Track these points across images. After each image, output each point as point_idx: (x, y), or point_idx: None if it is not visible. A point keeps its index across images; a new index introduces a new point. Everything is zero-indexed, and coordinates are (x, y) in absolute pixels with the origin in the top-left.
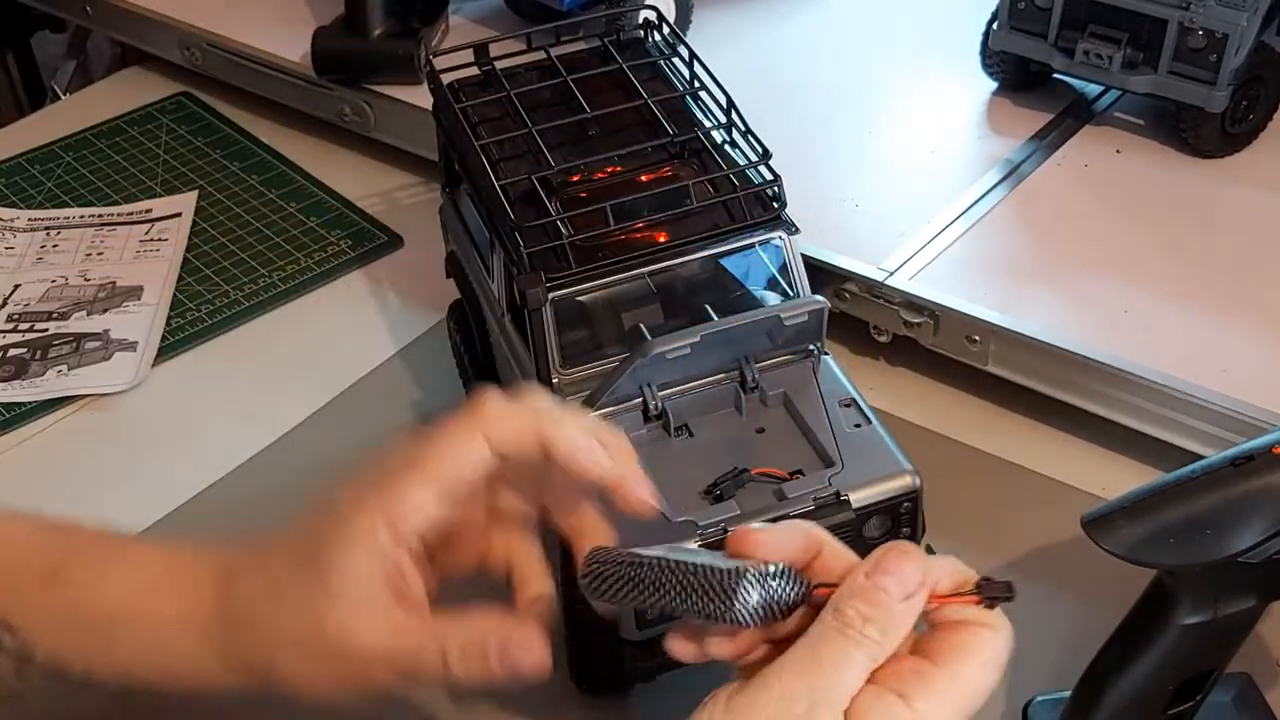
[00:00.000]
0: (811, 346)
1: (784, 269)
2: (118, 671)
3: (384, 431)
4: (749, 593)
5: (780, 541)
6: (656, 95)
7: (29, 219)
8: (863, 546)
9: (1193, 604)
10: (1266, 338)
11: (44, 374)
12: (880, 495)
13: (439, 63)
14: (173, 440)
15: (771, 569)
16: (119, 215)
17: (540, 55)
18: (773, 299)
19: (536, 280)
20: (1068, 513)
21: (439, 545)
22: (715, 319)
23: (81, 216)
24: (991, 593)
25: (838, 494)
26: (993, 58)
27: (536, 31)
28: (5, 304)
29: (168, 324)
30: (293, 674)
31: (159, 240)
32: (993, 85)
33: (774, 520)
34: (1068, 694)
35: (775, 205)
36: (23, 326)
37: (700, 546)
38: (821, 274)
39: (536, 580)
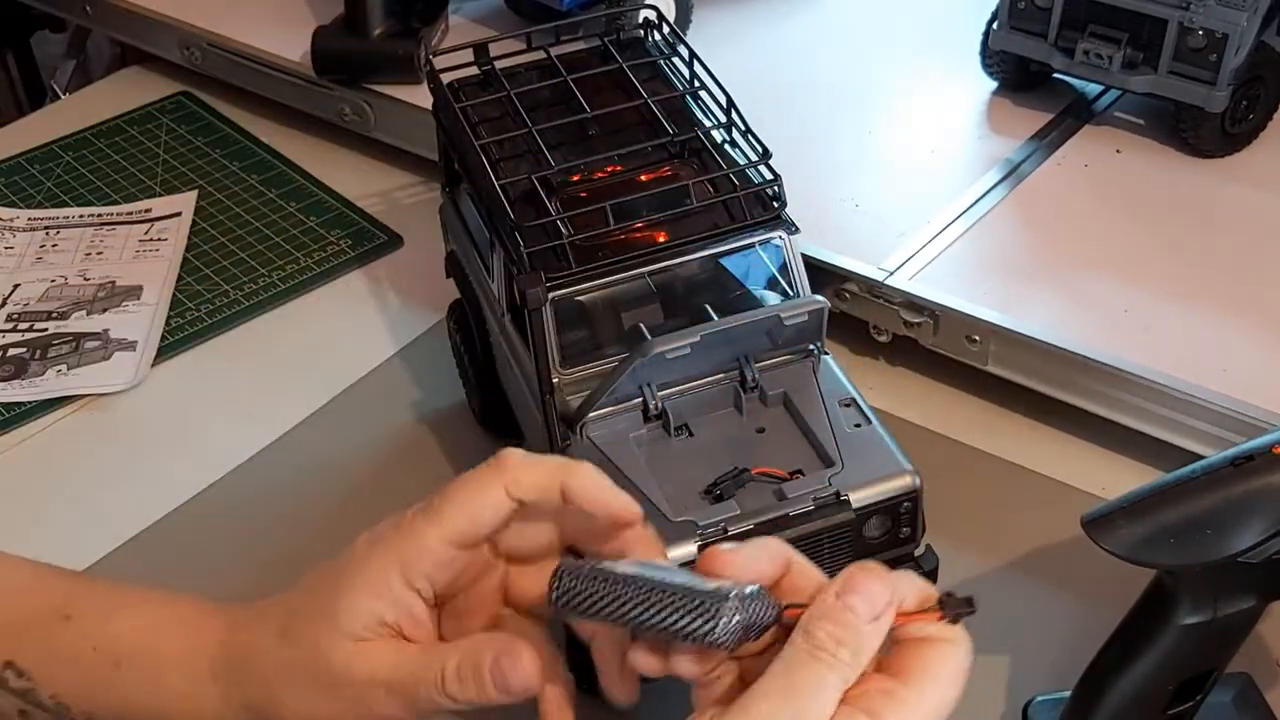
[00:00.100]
0: (811, 346)
1: (784, 269)
2: (119, 713)
3: (384, 432)
4: (731, 615)
5: (750, 561)
6: (656, 95)
7: (29, 219)
8: (862, 546)
9: (1193, 604)
10: (1266, 338)
11: (44, 374)
12: (880, 495)
13: (439, 62)
14: (173, 440)
15: (749, 590)
16: (119, 215)
17: (540, 55)
18: (773, 299)
19: (536, 280)
20: (1068, 513)
21: (459, 589)
22: (715, 319)
23: (81, 216)
24: (954, 608)
25: (838, 494)
26: (993, 58)
27: (536, 31)
28: (5, 304)
29: (167, 324)
30: (294, 709)
31: (159, 240)
32: (993, 85)
33: (773, 521)
34: (1068, 694)
35: (775, 205)
36: (22, 326)
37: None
38: (821, 274)
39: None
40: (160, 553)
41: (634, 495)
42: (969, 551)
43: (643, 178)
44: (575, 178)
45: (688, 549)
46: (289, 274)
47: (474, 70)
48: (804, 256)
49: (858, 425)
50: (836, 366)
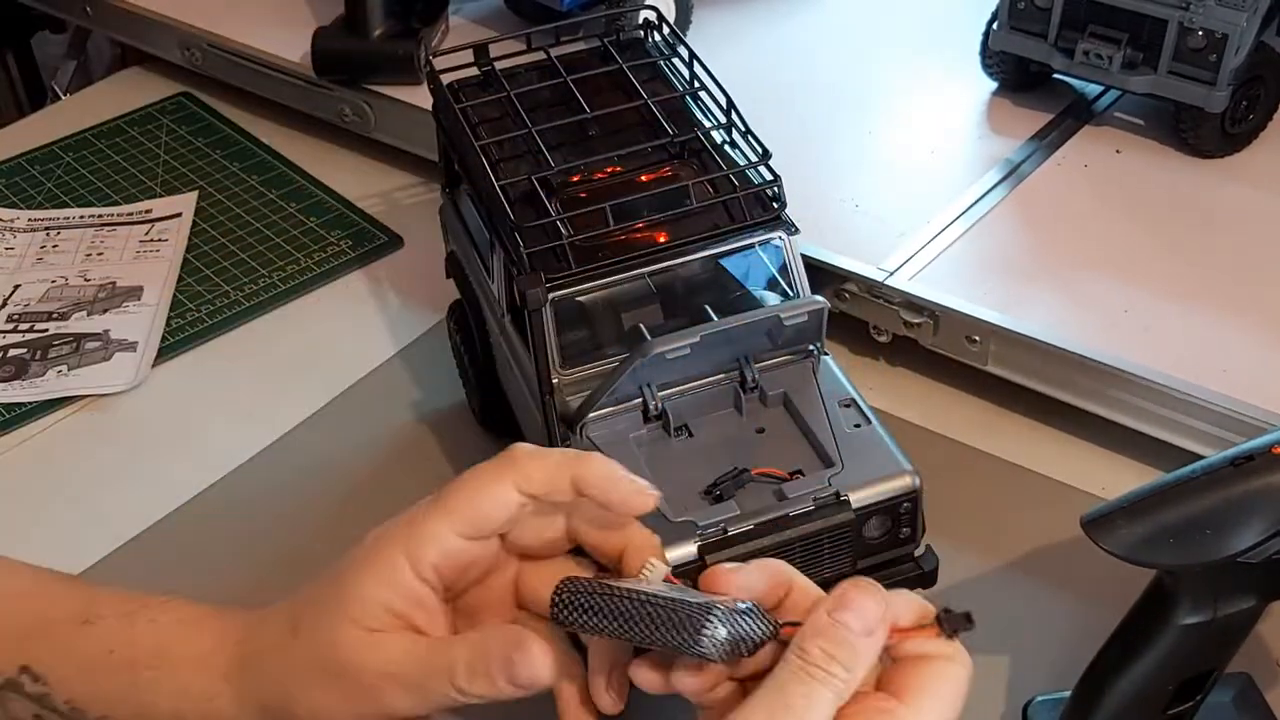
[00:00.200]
0: (811, 346)
1: (784, 269)
2: (135, 716)
3: (384, 432)
4: (716, 628)
5: (750, 580)
6: (656, 95)
7: (29, 219)
8: (862, 547)
9: (1193, 604)
10: (1266, 338)
11: (44, 374)
12: (880, 495)
13: (439, 63)
14: (173, 440)
15: (740, 606)
16: (119, 215)
17: (540, 55)
18: (772, 299)
19: (536, 280)
20: (1068, 513)
21: (469, 584)
22: (715, 319)
23: (81, 217)
24: (952, 624)
25: (837, 494)
26: (993, 58)
27: (536, 32)
28: (5, 304)
29: (168, 324)
30: (307, 705)
31: (159, 240)
32: (993, 85)
33: (773, 521)
34: (1068, 694)
35: (775, 205)
36: (23, 327)
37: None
38: (821, 274)
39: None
40: (160, 553)
41: None
42: (969, 551)
43: (643, 178)
44: (575, 178)
45: (687, 549)
46: (289, 274)
47: (474, 71)
48: (804, 257)
49: (858, 425)
50: (836, 367)
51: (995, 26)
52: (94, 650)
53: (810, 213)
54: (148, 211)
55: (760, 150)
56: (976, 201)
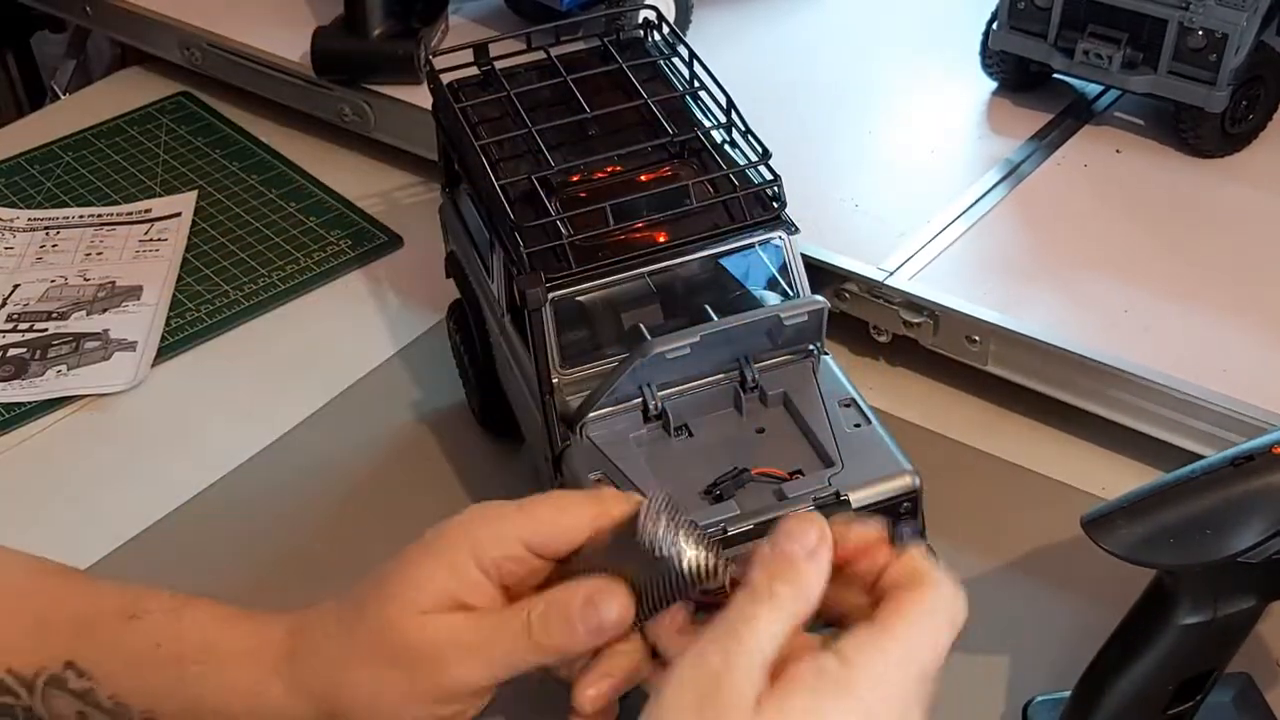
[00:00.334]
0: (811, 346)
1: (784, 269)
2: (181, 711)
3: (384, 432)
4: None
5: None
6: (656, 95)
7: (29, 219)
8: None
9: (1193, 604)
10: (1266, 338)
11: (44, 374)
12: (880, 495)
13: (439, 63)
14: (172, 440)
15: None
16: (118, 215)
17: (540, 55)
18: (772, 299)
19: (536, 280)
20: (1068, 513)
21: (520, 593)
22: (715, 319)
23: (81, 216)
24: (905, 540)
25: (837, 494)
26: (993, 58)
27: (536, 31)
28: (5, 304)
29: (167, 324)
30: (358, 690)
31: (159, 240)
32: (993, 85)
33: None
34: (1068, 694)
35: (775, 205)
36: (22, 326)
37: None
38: (821, 274)
39: None
40: (160, 553)
41: None
42: (969, 551)
43: (643, 178)
44: (575, 178)
45: None
46: (289, 274)
47: (474, 70)
48: (804, 256)
49: (857, 425)
50: (836, 367)
51: (995, 26)
52: (141, 645)
53: (810, 212)
54: (147, 211)
55: (760, 150)
56: (976, 201)
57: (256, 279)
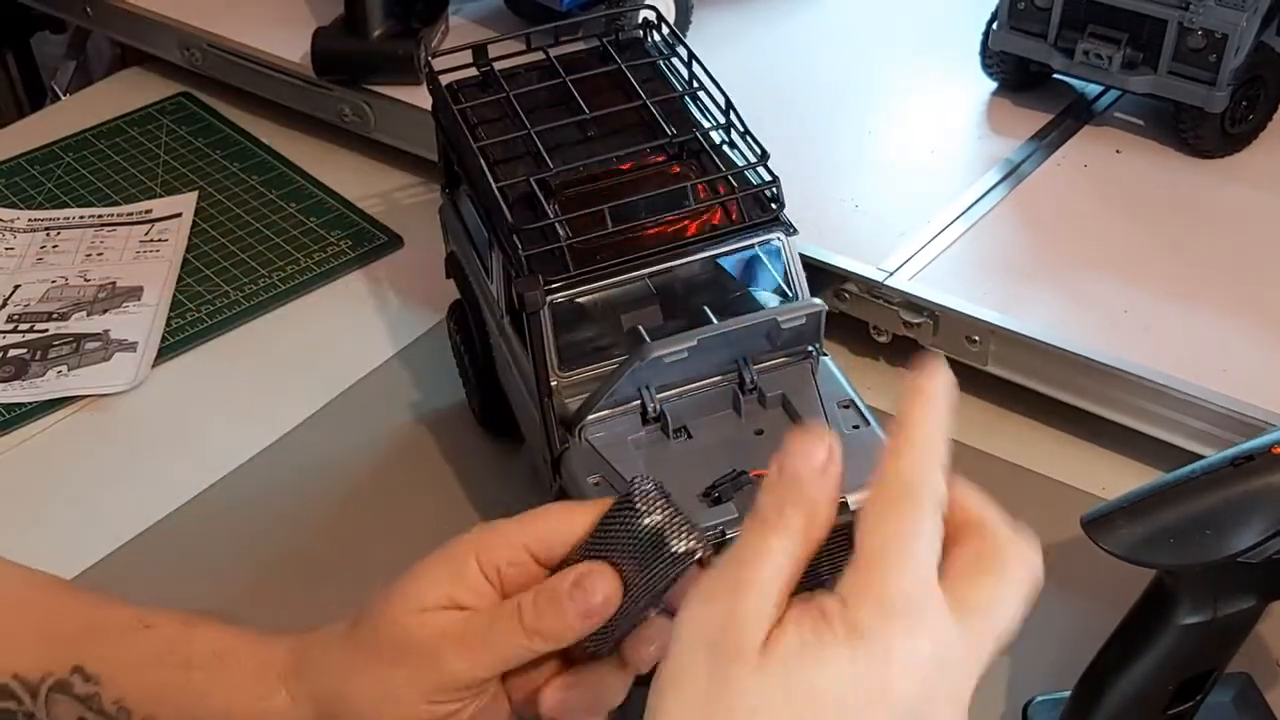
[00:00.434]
0: (810, 348)
1: (783, 270)
2: (185, 718)
3: (384, 432)
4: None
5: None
6: (655, 96)
7: (29, 219)
8: None
9: (1193, 604)
10: (1266, 338)
11: (44, 374)
12: None
13: (438, 63)
14: (173, 440)
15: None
16: (119, 215)
17: (539, 56)
18: (772, 300)
19: (535, 283)
20: (1068, 513)
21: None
22: (714, 321)
23: (81, 217)
24: None
25: None
26: (993, 58)
27: (535, 32)
28: (5, 304)
29: (168, 324)
30: (360, 691)
31: (159, 240)
32: (993, 85)
33: None
34: (1068, 694)
35: (774, 206)
36: (23, 327)
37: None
38: (821, 274)
39: None
40: (160, 553)
41: None
42: None
43: (642, 179)
44: (574, 179)
45: None
46: (289, 274)
47: (473, 71)
48: (803, 257)
49: (856, 427)
50: (835, 368)
51: (995, 26)
52: (152, 650)
53: (810, 213)
54: (148, 211)
55: (759, 151)
56: (976, 201)
57: (256, 279)
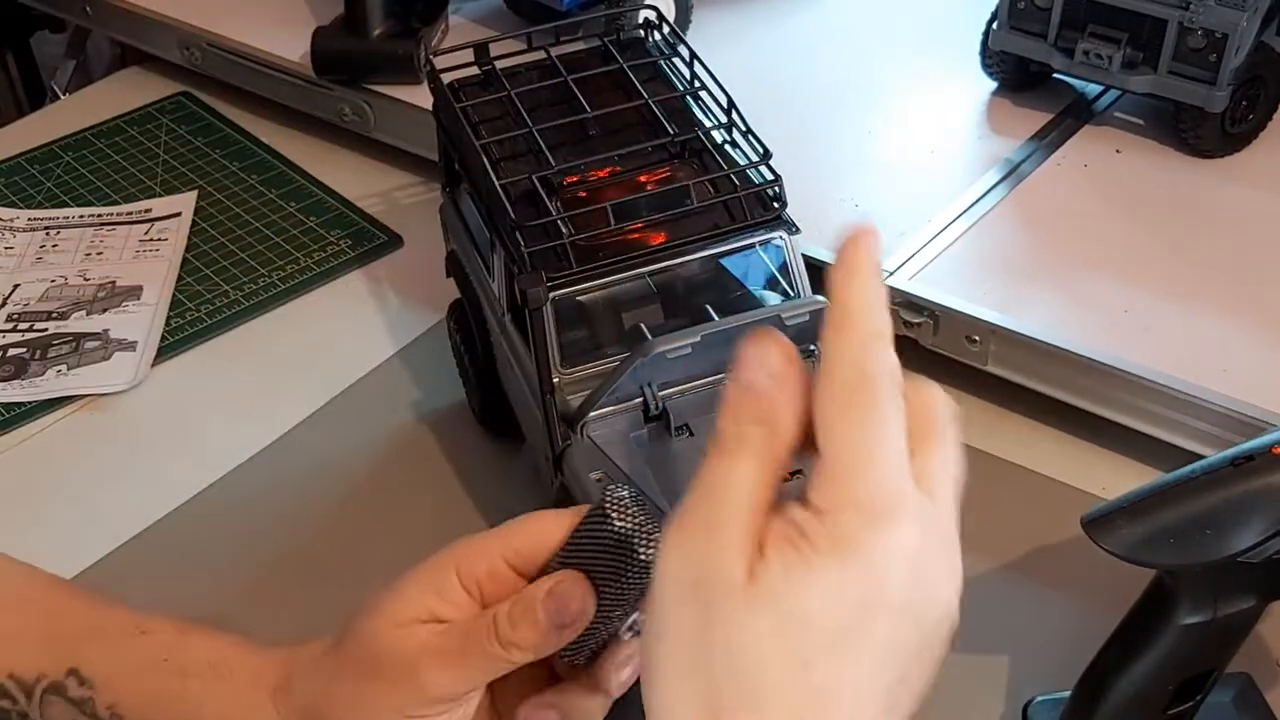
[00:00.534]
0: (813, 347)
1: (784, 269)
2: None
3: (384, 432)
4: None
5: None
6: (656, 95)
7: (29, 219)
8: None
9: (1193, 604)
10: (1266, 338)
11: (44, 374)
12: None
13: (439, 62)
14: (172, 440)
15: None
16: (119, 215)
17: (540, 55)
18: (773, 299)
19: (537, 280)
20: (1068, 513)
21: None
22: (716, 319)
23: (81, 216)
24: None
25: None
26: (993, 58)
27: (536, 31)
28: (5, 304)
29: (167, 324)
30: (345, 702)
31: (159, 240)
32: (993, 85)
33: None
34: (1068, 694)
35: (776, 205)
36: (22, 326)
37: None
38: (821, 274)
39: None
40: (160, 552)
41: None
42: (969, 551)
43: (643, 178)
44: (575, 178)
45: None
46: (289, 274)
47: (474, 70)
48: (804, 257)
49: None
50: None
51: (995, 26)
52: (147, 656)
53: (810, 213)
54: (147, 211)
55: (761, 150)
56: (976, 201)
57: (256, 279)
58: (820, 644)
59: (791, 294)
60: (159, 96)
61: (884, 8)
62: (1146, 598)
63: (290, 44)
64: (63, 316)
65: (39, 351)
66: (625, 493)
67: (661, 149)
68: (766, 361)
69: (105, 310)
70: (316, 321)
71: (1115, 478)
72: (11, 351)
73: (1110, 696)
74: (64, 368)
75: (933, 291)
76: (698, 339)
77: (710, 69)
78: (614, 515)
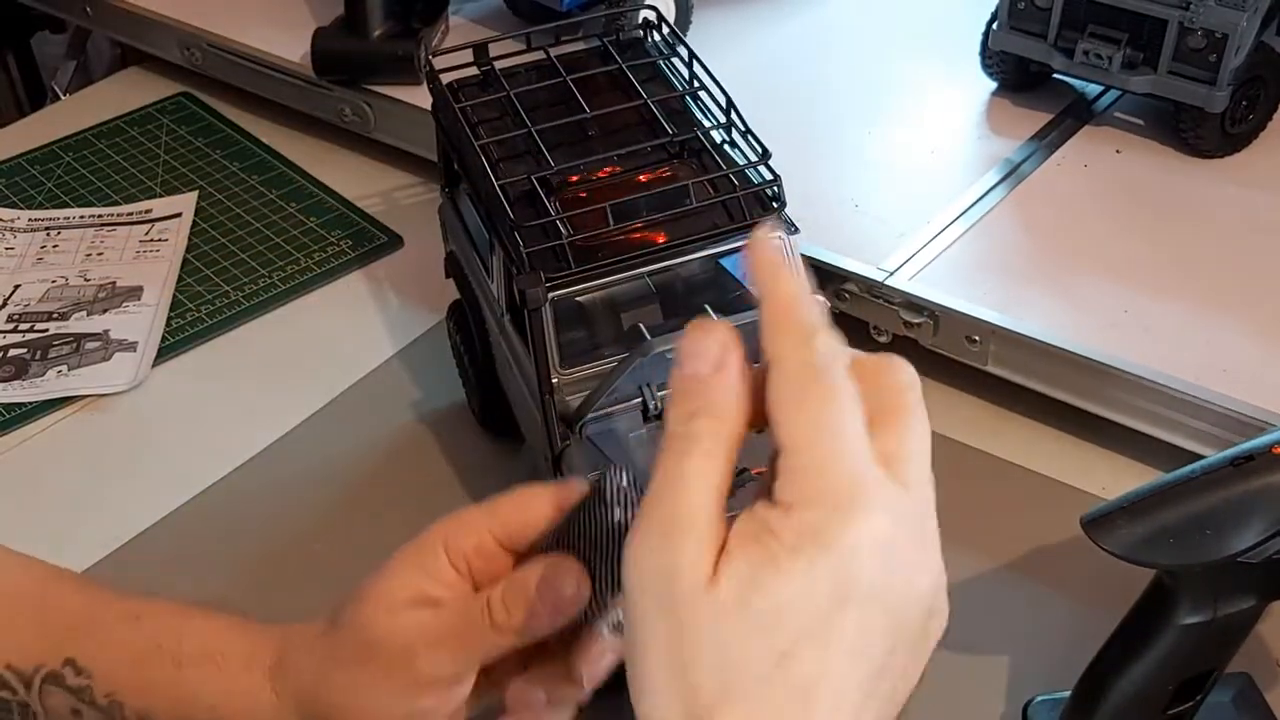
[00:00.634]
0: None
1: None
2: (174, 710)
3: (384, 432)
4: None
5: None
6: (656, 95)
7: (29, 219)
8: None
9: (1193, 604)
10: (1266, 338)
11: (44, 374)
12: None
13: (439, 63)
14: (173, 441)
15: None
16: (119, 215)
17: (540, 55)
18: None
19: (536, 280)
20: (1068, 513)
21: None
22: (715, 319)
23: (81, 217)
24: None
25: None
26: (993, 58)
27: (536, 31)
28: (5, 304)
29: (168, 324)
30: (341, 688)
31: (159, 240)
32: (993, 85)
33: None
34: (1068, 694)
35: (775, 205)
36: (23, 327)
37: None
38: (821, 274)
39: None
40: (160, 553)
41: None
42: (969, 551)
43: (642, 178)
44: (575, 178)
45: None
46: (289, 274)
47: (474, 70)
48: (804, 257)
49: None
50: None
51: (995, 26)
52: (143, 644)
53: (810, 213)
54: (148, 211)
55: (760, 150)
56: (976, 201)
57: (256, 279)
58: (795, 637)
59: None
60: (159, 97)
61: (884, 8)
62: (1146, 598)
63: (290, 44)
64: (63, 317)
65: (39, 352)
66: (624, 478)
67: (661, 149)
68: (704, 352)
69: (106, 311)
70: (317, 322)
71: (1115, 478)
72: (12, 352)
73: (1110, 696)
74: (64, 368)
75: (933, 291)
76: None
77: (709, 69)
78: (611, 501)
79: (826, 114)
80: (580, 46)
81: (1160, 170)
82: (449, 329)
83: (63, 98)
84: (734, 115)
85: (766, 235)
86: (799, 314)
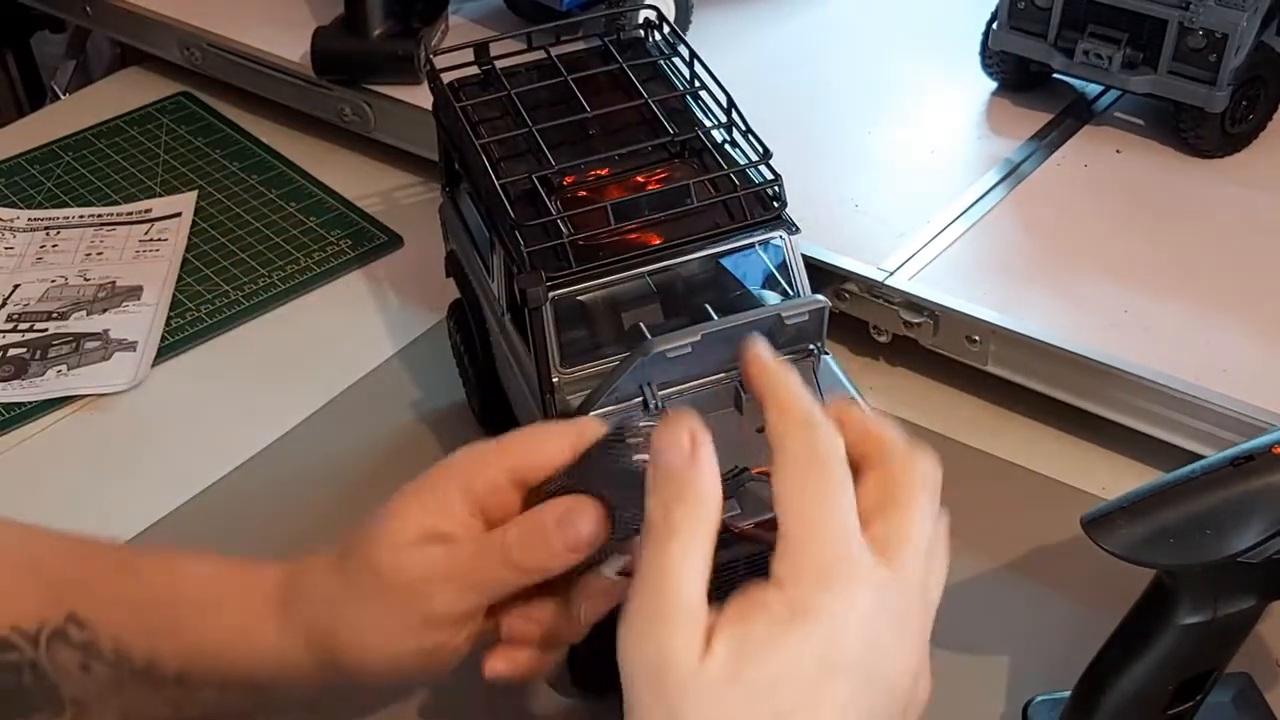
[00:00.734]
0: (812, 346)
1: (784, 269)
2: (180, 656)
3: (384, 432)
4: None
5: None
6: (656, 95)
7: (29, 219)
8: None
9: (1193, 604)
10: (1266, 338)
11: (44, 374)
12: None
13: (439, 62)
14: (172, 440)
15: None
16: (119, 215)
17: (540, 55)
18: (773, 299)
19: (537, 279)
20: (1068, 513)
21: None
22: (715, 318)
23: (81, 216)
24: None
25: None
26: (993, 58)
27: (536, 31)
28: (5, 304)
29: (167, 324)
30: (352, 624)
31: (159, 240)
32: (993, 85)
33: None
34: (1068, 694)
35: (775, 205)
36: (22, 326)
37: None
38: (821, 274)
39: None
40: None
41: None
42: (969, 551)
43: (642, 177)
44: (575, 177)
45: None
46: (289, 274)
47: (474, 70)
48: (804, 256)
49: None
50: (837, 367)
51: (995, 26)
52: (138, 592)
53: (810, 212)
54: (147, 211)
55: (761, 149)
56: (976, 201)
57: (256, 279)
58: (788, 704)
59: (791, 293)
60: (159, 96)
61: (884, 8)
62: (1146, 598)
63: (290, 44)
64: (63, 317)
65: (39, 351)
66: (647, 425)
67: (661, 149)
68: (676, 443)
69: (105, 310)
70: (316, 321)
71: (1115, 478)
72: (12, 351)
73: (1110, 696)
74: (64, 368)
75: (933, 291)
76: (697, 338)
77: (710, 69)
78: (633, 443)
79: (826, 114)
80: (581, 46)
81: (1160, 170)
82: (449, 328)
83: (62, 97)
84: (734, 115)
85: (756, 347)
86: (801, 408)
